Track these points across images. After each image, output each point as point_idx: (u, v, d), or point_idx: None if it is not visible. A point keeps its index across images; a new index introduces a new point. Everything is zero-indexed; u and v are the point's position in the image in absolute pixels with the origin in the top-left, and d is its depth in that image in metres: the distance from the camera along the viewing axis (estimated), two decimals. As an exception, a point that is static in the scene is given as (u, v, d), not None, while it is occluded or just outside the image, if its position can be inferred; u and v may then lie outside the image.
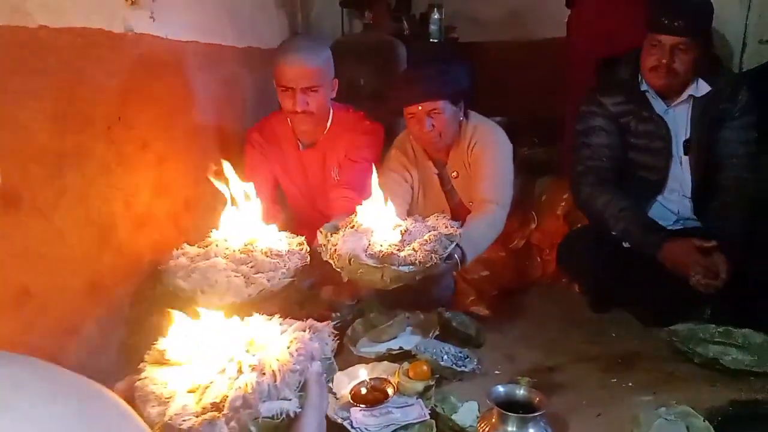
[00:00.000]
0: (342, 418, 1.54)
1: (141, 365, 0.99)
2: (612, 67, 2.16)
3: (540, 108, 3.31)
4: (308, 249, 1.81)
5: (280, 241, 1.80)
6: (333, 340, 1.04)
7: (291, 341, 0.99)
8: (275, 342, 1.00)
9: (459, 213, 2.26)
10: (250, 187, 1.83)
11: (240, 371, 0.93)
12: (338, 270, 1.71)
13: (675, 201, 2.14)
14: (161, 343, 1.02)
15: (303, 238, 1.85)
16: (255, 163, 2.31)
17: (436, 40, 3.74)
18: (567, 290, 2.33)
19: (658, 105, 2.07)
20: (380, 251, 1.63)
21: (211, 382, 0.92)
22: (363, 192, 2.12)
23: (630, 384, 1.70)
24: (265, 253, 1.70)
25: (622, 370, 1.78)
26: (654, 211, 2.13)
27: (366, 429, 1.49)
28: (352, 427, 1.50)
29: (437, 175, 2.26)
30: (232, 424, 0.86)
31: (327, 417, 1.54)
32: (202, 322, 1.03)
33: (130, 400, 0.91)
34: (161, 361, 1.00)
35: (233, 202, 1.80)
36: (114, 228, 1.72)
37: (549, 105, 3.13)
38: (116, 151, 1.70)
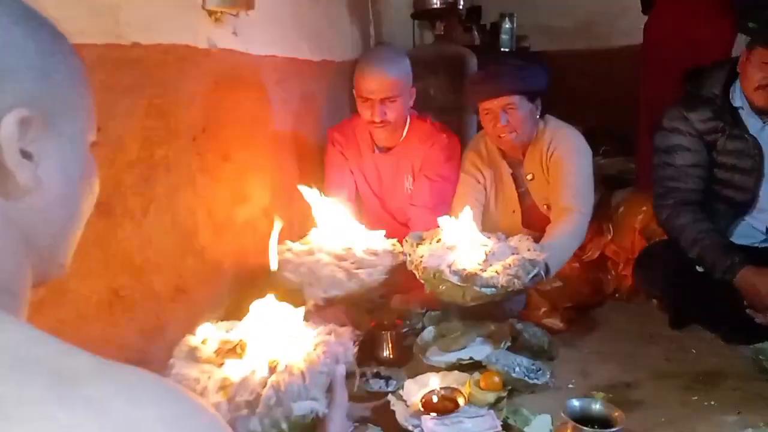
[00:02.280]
0: (413, 426, 1.55)
1: (170, 361, 1.03)
2: (698, 79, 2.03)
3: (612, 118, 3.25)
4: (400, 249, 1.89)
5: (377, 241, 1.90)
6: (354, 345, 1.07)
7: (317, 344, 1.03)
8: (302, 344, 1.04)
9: (531, 215, 2.26)
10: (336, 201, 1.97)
11: (272, 370, 0.97)
12: (422, 282, 1.76)
13: (764, 220, 2.02)
14: (190, 340, 1.07)
15: (395, 240, 1.95)
16: (335, 161, 2.41)
17: (507, 50, 3.73)
18: (644, 305, 2.26)
19: (754, 123, 1.93)
20: (464, 270, 1.66)
21: (244, 380, 0.95)
22: (439, 210, 2.18)
23: (713, 403, 1.63)
24: (364, 251, 1.82)
25: (704, 388, 1.71)
26: (741, 230, 2.03)
27: (437, 438, 1.49)
28: (424, 435, 1.50)
29: (511, 176, 2.25)
30: (266, 421, 0.90)
31: (397, 423, 1.56)
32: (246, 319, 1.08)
33: None
34: (191, 357, 1.03)
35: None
36: (196, 234, 1.80)
37: (622, 115, 3.06)
38: (200, 162, 1.79)
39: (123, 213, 1.51)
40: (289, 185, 2.38)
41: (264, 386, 0.93)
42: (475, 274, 1.66)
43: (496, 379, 1.65)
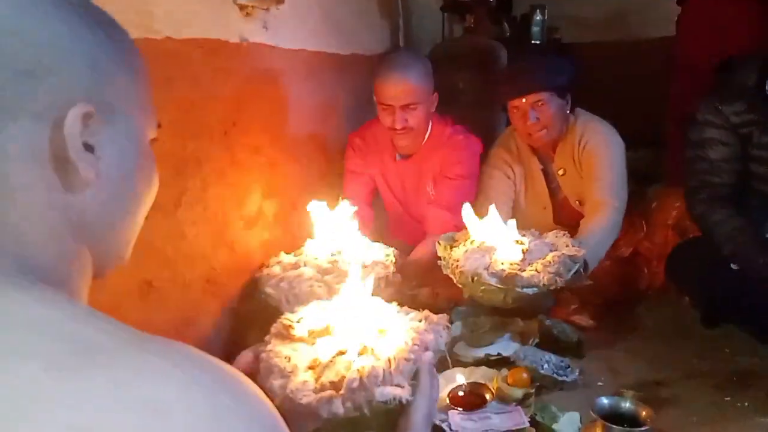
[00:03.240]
0: (440, 420, 1.55)
1: (267, 337, 1.05)
2: (731, 71, 1.99)
3: (645, 110, 3.19)
4: (394, 260, 1.85)
5: (370, 251, 1.85)
6: (447, 333, 1.07)
7: (407, 330, 1.03)
8: (392, 329, 1.04)
9: (563, 211, 2.23)
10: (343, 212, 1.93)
11: (360, 354, 0.97)
12: (459, 286, 1.73)
13: None
14: (287, 318, 1.09)
15: (392, 250, 1.90)
16: (354, 167, 2.39)
17: (537, 42, 3.68)
18: (676, 303, 2.22)
19: None
20: (503, 271, 1.63)
21: (331, 361, 0.97)
22: (458, 210, 2.15)
23: (746, 404, 1.60)
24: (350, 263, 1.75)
25: (738, 388, 1.67)
26: None
27: (464, 433, 1.49)
28: (450, 430, 1.50)
29: (542, 171, 2.23)
30: (348, 404, 0.90)
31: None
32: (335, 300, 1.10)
33: (255, 370, 0.97)
34: (286, 336, 1.05)
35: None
36: (227, 227, 1.82)
37: (654, 107, 3.00)
38: (231, 155, 1.80)
39: (155, 205, 1.50)
40: (318, 179, 2.40)
41: (350, 369, 0.94)
42: (515, 274, 1.63)
43: (524, 375, 1.64)
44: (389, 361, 0.94)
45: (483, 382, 1.66)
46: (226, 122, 1.78)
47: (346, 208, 1.96)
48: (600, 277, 2.16)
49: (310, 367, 0.97)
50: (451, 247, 1.82)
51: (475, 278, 1.65)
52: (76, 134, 0.52)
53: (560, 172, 2.19)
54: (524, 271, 1.65)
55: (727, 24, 2.37)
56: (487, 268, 1.66)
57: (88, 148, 0.53)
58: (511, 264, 1.67)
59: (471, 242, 1.82)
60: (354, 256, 1.79)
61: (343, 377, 0.92)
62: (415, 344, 0.98)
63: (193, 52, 1.63)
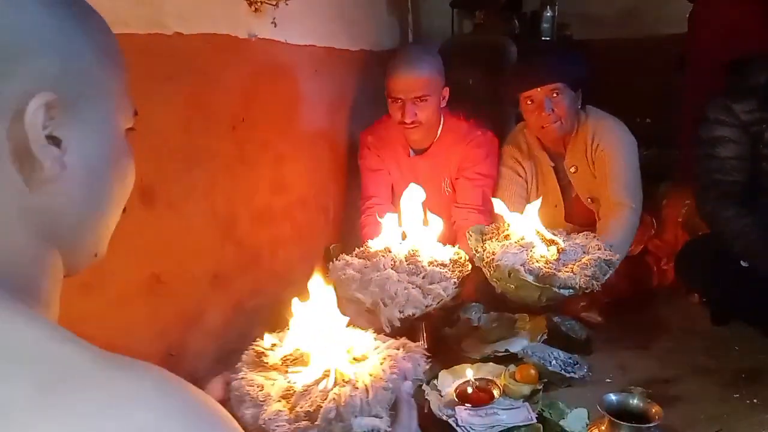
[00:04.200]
0: (447, 416, 1.55)
1: (238, 365, 1.01)
2: (743, 69, 1.98)
3: (656, 108, 3.17)
4: (467, 258, 1.79)
5: (439, 251, 1.79)
6: (425, 362, 1.03)
7: (384, 358, 0.99)
8: (369, 357, 1.01)
9: (574, 208, 2.22)
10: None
11: (335, 383, 0.94)
12: (493, 281, 1.71)
13: None
14: (259, 345, 1.06)
15: (458, 247, 1.84)
16: (372, 165, 2.37)
17: (548, 38, 3.66)
18: (685, 300, 2.21)
19: None
20: (540, 269, 1.62)
21: (306, 390, 0.93)
22: (485, 209, 2.14)
23: (755, 401, 1.59)
24: (431, 263, 1.70)
25: (746, 385, 1.66)
26: None
27: (471, 428, 1.49)
28: (458, 425, 1.50)
29: (552, 168, 2.22)
30: None
31: (431, 413, 1.56)
32: (305, 327, 1.05)
33: (226, 398, 0.93)
34: (258, 363, 1.02)
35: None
36: (235, 222, 1.82)
37: (665, 105, 2.98)
38: (239, 151, 1.81)
39: (164, 200, 1.54)
40: (326, 174, 2.40)
41: (326, 398, 0.90)
42: (553, 274, 1.62)
43: (532, 371, 1.64)
44: (366, 390, 0.91)
45: (491, 378, 1.66)
46: (234, 117, 1.79)
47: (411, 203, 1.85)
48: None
49: (284, 397, 0.93)
50: (483, 240, 1.80)
51: (512, 274, 1.63)
52: (38, 126, 0.48)
53: (572, 169, 2.18)
54: (560, 271, 1.64)
55: (739, 22, 2.35)
56: (523, 265, 1.65)
57: (54, 140, 0.50)
58: (547, 263, 1.66)
59: (506, 236, 1.80)
60: (429, 255, 1.74)
61: (319, 407, 0.89)
62: (393, 372, 0.94)
63: (202, 47, 1.64)
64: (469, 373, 1.68)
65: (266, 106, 1.94)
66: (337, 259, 1.76)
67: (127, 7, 1.36)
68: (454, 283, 1.65)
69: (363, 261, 1.73)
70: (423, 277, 1.64)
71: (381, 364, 0.98)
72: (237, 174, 1.81)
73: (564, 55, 2.09)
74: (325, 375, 0.95)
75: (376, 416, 0.89)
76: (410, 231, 1.82)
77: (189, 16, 1.57)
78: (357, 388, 0.92)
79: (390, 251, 1.74)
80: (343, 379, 0.95)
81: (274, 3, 1.89)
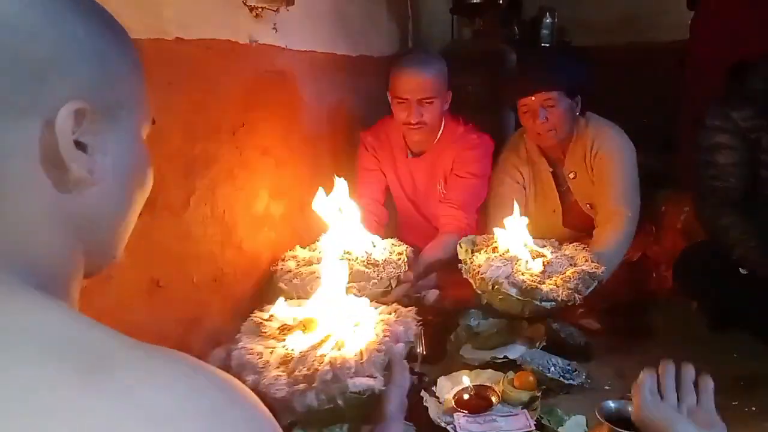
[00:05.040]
0: (445, 423, 1.55)
1: (237, 335, 1.06)
2: (741, 75, 2.00)
3: (655, 115, 3.18)
4: (406, 259, 1.84)
5: (383, 250, 1.84)
6: (416, 325, 1.09)
7: (377, 322, 1.04)
8: (363, 322, 1.05)
9: (572, 214, 2.23)
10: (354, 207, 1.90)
11: (331, 347, 0.98)
12: (478, 292, 1.76)
13: None
14: (258, 316, 1.09)
15: (405, 247, 1.89)
16: (367, 165, 2.39)
17: (547, 45, 3.68)
18: (684, 307, 2.21)
19: None
20: (523, 282, 1.65)
21: (303, 356, 0.97)
22: (470, 209, 2.16)
23: (753, 408, 1.59)
24: (362, 262, 1.75)
25: (745, 392, 1.66)
26: None
27: (470, 435, 1.49)
28: (456, 432, 1.50)
29: (551, 174, 2.22)
30: (321, 396, 0.91)
31: (430, 420, 1.56)
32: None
33: (227, 368, 0.97)
34: (257, 332, 1.06)
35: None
36: (235, 227, 1.82)
37: (665, 112, 2.99)
38: (239, 156, 1.81)
39: (163, 205, 1.54)
40: (326, 180, 2.40)
41: (323, 362, 0.95)
42: (535, 287, 1.65)
43: (531, 378, 1.63)
44: (361, 353, 0.96)
45: (489, 384, 1.66)
46: (234, 123, 1.79)
47: (352, 204, 1.93)
48: (608, 280, 2.16)
49: (282, 363, 0.98)
50: (473, 252, 1.82)
51: (495, 287, 1.66)
52: (68, 132, 0.51)
53: (571, 175, 2.19)
54: (543, 283, 1.66)
55: (739, 28, 2.36)
56: (507, 278, 1.67)
57: (81, 146, 0.52)
58: (532, 275, 1.68)
59: (493, 249, 1.82)
60: (367, 254, 1.80)
61: (316, 370, 0.93)
62: (385, 336, 1.00)
63: (203, 53, 1.64)
64: (467, 379, 1.68)
65: (267, 111, 1.94)
66: (289, 250, 1.87)
67: (128, 12, 1.36)
68: (375, 283, 1.71)
69: (306, 253, 1.85)
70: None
71: (375, 328, 1.03)
72: (237, 179, 1.81)
73: (560, 63, 2.10)
74: (323, 340, 1.00)
75: (370, 377, 0.94)
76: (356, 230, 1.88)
77: (190, 21, 1.57)
78: (352, 351, 0.97)
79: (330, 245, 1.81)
80: (338, 344, 0.99)
81: (274, 9, 1.90)
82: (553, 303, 1.66)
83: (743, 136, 1.93)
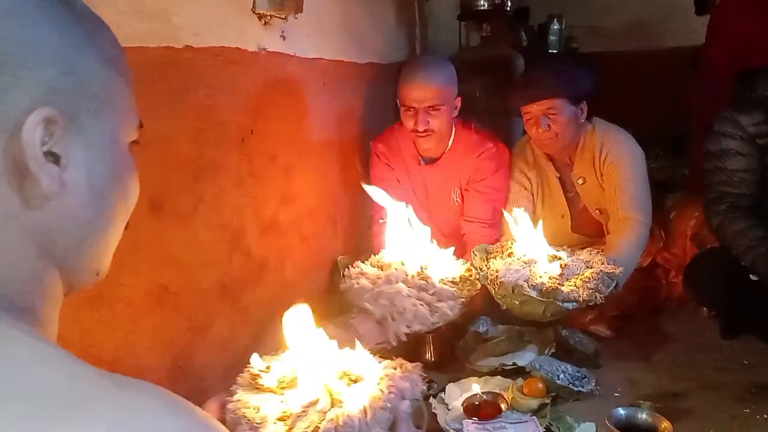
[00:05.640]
0: (454, 429, 1.54)
1: (233, 387, 1.01)
2: (750, 81, 1.99)
3: (663, 120, 3.17)
4: (477, 275, 1.80)
5: (451, 266, 1.80)
6: (422, 382, 1.03)
7: (381, 378, 0.99)
8: (367, 377, 1.01)
9: (581, 220, 2.22)
10: (409, 210, 1.83)
11: (332, 404, 0.94)
12: (497, 298, 1.74)
13: None
14: (254, 367, 1.06)
15: (469, 264, 1.84)
16: (382, 174, 2.38)
17: (554, 51, 3.68)
18: (694, 313, 2.20)
19: None
20: (543, 284, 1.65)
21: (303, 412, 0.93)
22: (497, 224, 2.15)
23: (765, 416, 1.57)
24: (442, 281, 1.71)
25: (757, 400, 1.65)
26: None
27: (479, 442, 1.48)
28: (465, 440, 1.50)
29: (558, 180, 2.22)
30: None
31: (439, 427, 1.56)
32: (301, 346, 1.05)
33: (222, 420, 0.93)
34: (254, 385, 1.02)
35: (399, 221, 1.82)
36: (243, 234, 1.83)
37: (673, 118, 2.98)
38: (248, 163, 1.82)
39: (172, 212, 1.54)
40: (334, 186, 2.41)
41: (323, 419, 0.90)
42: (556, 288, 1.65)
43: (540, 385, 1.63)
44: (365, 410, 0.91)
45: (498, 391, 1.65)
46: (243, 130, 1.80)
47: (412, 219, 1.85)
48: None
49: (280, 419, 0.93)
50: (488, 259, 1.82)
51: (516, 290, 1.66)
52: (36, 142, 0.46)
53: (580, 181, 2.19)
54: (563, 285, 1.66)
55: (751, 35, 2.35)
56: (526, 281, 1.67)
57: (53, 156, 0.48)
58: (550, 278, 1.68)
59: (509, 254, 1.82)
60: (440, 270, 1.75)
61: (317, 428, 0.89)
62: (390, 392, 0.95)
63: (212, 60, 1.65)
64: (477, 386, 1.67)
65: (275, 118, 1.95)
66: (352, 266, 1.78)
67: (137, 20, 1.37)
68: (462, 302, 1.67)
69: (376, 271, 1.75)
70: (432, 294, 1.66)
71: (378, 384, 0.98)
72: (246, 185, 1.82)
73: (563, 71, 2.09)
74: (323, 397, 0.95)
75: None
76: (419, 245, 1.82)
77: (199, 29, 1.59)
78: (355, 409, 0.91)
79: (403, 264, 1.75)
80: (335, 399, 0.94)
81: (283, 16, 1.91)
82: (575, 304, 1.64)
83: (752, 142, 1.93)
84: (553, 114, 2.03)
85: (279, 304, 1.79)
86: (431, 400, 1.65)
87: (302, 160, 2.13)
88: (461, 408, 1.60)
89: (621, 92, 3.38)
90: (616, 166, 2.09)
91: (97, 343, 1.31)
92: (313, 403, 0.95)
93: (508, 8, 3.42)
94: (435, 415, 1.59)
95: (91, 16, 0.55)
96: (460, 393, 1.67)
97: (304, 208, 2.16)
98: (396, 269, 1.72)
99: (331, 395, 0.95)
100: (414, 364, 1.06)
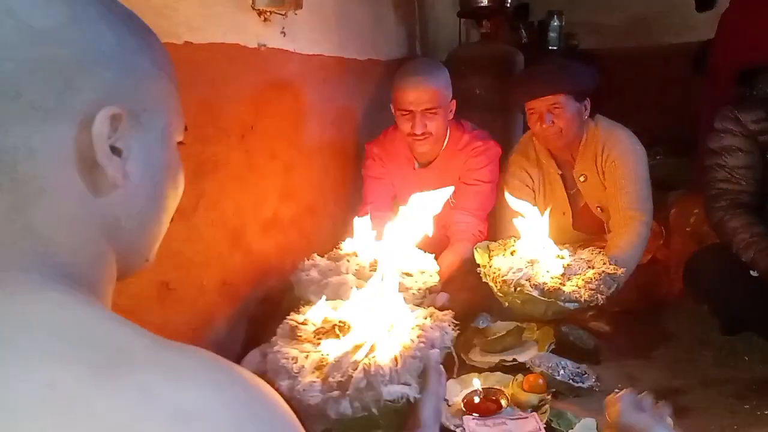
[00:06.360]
0: (455, 426, 1.54)
1: (273, 339, 1.04)
2: (752, 79, 1.99)
3: (664, 117, 3.17)
4: (437, 269, 1.81)
5: (410, 259, 1.80)
6: (453, 329, 1.06)
7: (413, 327, 1.02)
8: (398, 326, 1.03)
9: (583, 217, 2.23)
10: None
11: (366, 353, 0.96)
12: (499, 296, 1.75)
13: None
14: (293, 319, 1.08)
15: (432, 256, 1.85)
16: (374, 173, 2.37)
17: (554, 48, 3.67)
18: (694, 310, 2.20)
19: None
20: (545, 284, 1.65)
21: (338, 361, 0.96)
22: (481, 215, 2.15)
23: (766, 412, 1.57)
24: (398, 271, 1.69)
25: (757, 397, 1.65)
26: None
27: (479, 438, 1.48)
28: (465, 436, 1.50)
29: (560, 177, 2.22)
30: (356, 404, 0.90)
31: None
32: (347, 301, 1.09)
33: (263, 371, 0.97)
34: (292, 336, 1.05)
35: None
36: (244, 230, 1.83)
37: (674, 114, 2.98)
38: (248, 159, 1.82)
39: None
40: (333, 182, 2.41)
41: (357, 368, 0.93)
42: (558, 288, 1.65)
43: (540, 381, 1.63)
44: (396, 359, 0.94)
45: (498, 387, 1.65)
46: (243, 126, 1.80)
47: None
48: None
49: (317, 368, 0.96)
50: (489, 256, 1.82)
51: (518, 288, 1.66)
52: (104, 137, 0.51)
53: (581, 178, 2.19)
54: (564, 285, 1.66)
55: (758, 34, 2.35)
56: (528, 280, 1.67)
57: (116, 151, 0.53)
58: (552, 278, 1.68)
59: (511, 252, 1.82)
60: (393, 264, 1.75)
61: (351, 377, 0.92)
62: (421, 342, 0.97)
63: (212, 56, 1.65)
64: (477, 382, 1.67)
65: (275, 114, 1.95)
66: (307, 259, 1.79)
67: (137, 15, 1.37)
68: (413, 294, 1.67)
69: (329, 263, 1.76)
70: None
71: (410, 333, 1.00)
72: (246, 182, 1.82)
73: (567, 68, 2.10)
74: (357, 347, 0.98)
75: (405, 384, 0.92)
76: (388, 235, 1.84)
77: (199, 25, 1.58)
78: (386, 357, 0.94)
79: (356, 255, 1.77)
80: (373, 350, 0.97)
81: (283, 13, 1.91)
82: (577, 304, 1.65)
83: (753, 139, 1.93)
84: (557, 109, 2.04)
85: (279, 300, 1.82)
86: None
87: (302, 157, 2.14)
88: (461, 404, 1.60)
89: (622, 88, 3.38)
90: (618, 164, 2.09)
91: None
92: (347, 353, 0.97)
93: (508, 5, 3.41)
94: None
95: (144, 27, 0.61)
96: (460, 389, 1.67)
97: (304, 204, 2.16)
98: (347, 260, 1.74)
99: (369, 345, 0.97)
100: (444, 312, 1.08)
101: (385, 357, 0.94)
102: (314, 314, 1.10)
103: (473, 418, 1.54)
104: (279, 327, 1.08)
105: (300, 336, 1.05)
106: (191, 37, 1.55)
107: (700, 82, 2.78)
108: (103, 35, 0.53)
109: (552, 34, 3.77)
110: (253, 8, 1.80)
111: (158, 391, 0.40)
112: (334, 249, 1.87)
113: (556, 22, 3.78)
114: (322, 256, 1.83)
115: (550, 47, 3.75)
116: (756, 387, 1.70)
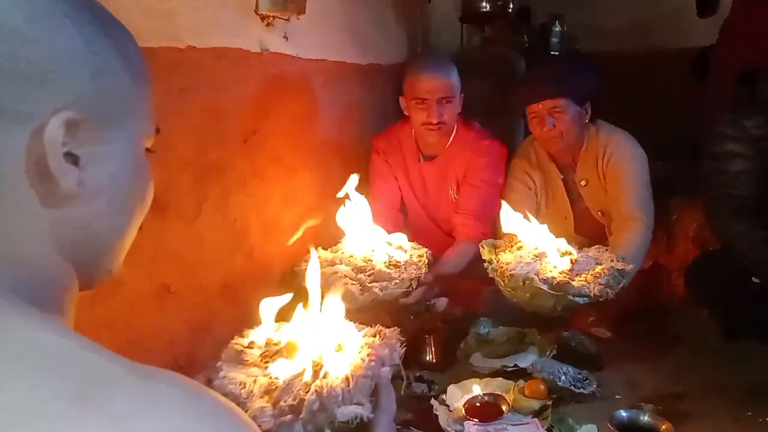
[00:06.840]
0: (455, 431, 1.54)
1: (218, 364, 1.01)
2: (753, 82, 1.99)
3: (666, 121, 3.16)
4: (426, 261, 1.83)
5: (403, 252, 1.84)
6: (401, 346, 1.05)
7: (362, 347, 1.01)
8: (346, 346, 1.02)
9: (584, 221, 2.23)
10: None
11: (316, 375, 0.95)
12: (507, 291, 1.73)
13: None
14: (237, 343, 1.07)
15: (425, 250, 1.88)
16: (380, 170, 2.40)
17: (556, 53, 3.67)
18: (696, 315, 2.19)
19: None
20: (554, 278, 1.64)
21: (288, 384, 0.94)
22: (485, 218, 2.16)
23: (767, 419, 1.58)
24: (385, 263, 1.76)
25: (759, 403, 1.65)
26: None
27: (480, 444, 1.48)
28: (466, 441, 1.50)
29: (562, 181, 2.22)
30: (309, 427, 0.88)
31: (440, 428, 1.56)
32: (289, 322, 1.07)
33: None
34: (238, 360, 1.02)
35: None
36: (246, 234, 1.83)
37: (676, 118, 2.98)
38: (251, 163, 1.82)
39: (175, 212, 1.55)
40: (336, 187, 2.41)
41: (308, 391, 0.91)
42: (567, 282, 1.64)
43: (542, 387, 1.63)
44: (347, 379, 0.92)
45: (500, 393, 1.65)
46: (246, 131, 1.80)
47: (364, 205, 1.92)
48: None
49: (266, 392, 0.94)
50: (497, 252, 1.81)
51: (527, 283, 1.65)
52: (57, 143, 0.48)
53: (582, 182, 2.19)
54: (573, 280, 1.66)
55: (761, 39, 2.35)
56: (537, 274, 1.66)
57: (73, 158, 0.50)
58: (561, 272, 1.67)
59: (519, 248, 1.81)
60: (389, 255, 1.80)
61: (303, 399, 0.90)
62: (371, 360, 0.96)
63: (215, 61, 1.65)
64: (478, 388, 1.67)
65: (278, 118, 1.95)
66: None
67: (140, 20, 1.37)
68: (396, 284, 1.70)
69: (328, 255, 1.81)
70: (369, 275, 1.71)
71: (359, 352, 1.00)
72: (248, 186, 1.82)
73: (568, 71, 2.10)
74: (307, 368, 0.96)
75: (358, 404, 0.91)
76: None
77: (202, 29, 1.59)
78: (337, 378, 0.93)
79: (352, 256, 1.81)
80: (321, 370, 0.95)
81: (285, 17, 1.91)
82: (586, 298, 1.64)
83: (754, 144, 1.93)
84: (558, 113, 2.04)
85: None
86: (432, 401, 1.65)
87: (304, 160, 2.14)
88: (462, 409, 1.60)
89: (624, 92, 3.38)
90: (619, 167, 2.09)
91: (98, 342, 1.31)
92: (297, 375, 0.95)
93: (510, 10, 3.41)
94: (436, 416, 1.59)
95: (117, 26, 0.57)
96: (461, 394, 1.67)
97: (307, 208, 2.16)
98: (342, 252, 1.80)
99: (315, 366, 0.96)
100: (391, 329, 1.08)
101: (336, 377, 0.93)
102: (259, 336, 1.09)
103: (474, 424, 1.54)
104: (222, 352, 1.06)
105: (246, 360, 1.02)
106: (194, 42, 1.56)
107: (702, 86, 2.78)
108: (67, 34, 0.50)
109: (554, 39, 3.77)
110: (256, 13, 1.80)
111: (139, 420, 0.39)
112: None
113: (557, 27, 3.78)
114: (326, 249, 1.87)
115: (552, 51, 3.75)
116: (757, 393, 1.69)
